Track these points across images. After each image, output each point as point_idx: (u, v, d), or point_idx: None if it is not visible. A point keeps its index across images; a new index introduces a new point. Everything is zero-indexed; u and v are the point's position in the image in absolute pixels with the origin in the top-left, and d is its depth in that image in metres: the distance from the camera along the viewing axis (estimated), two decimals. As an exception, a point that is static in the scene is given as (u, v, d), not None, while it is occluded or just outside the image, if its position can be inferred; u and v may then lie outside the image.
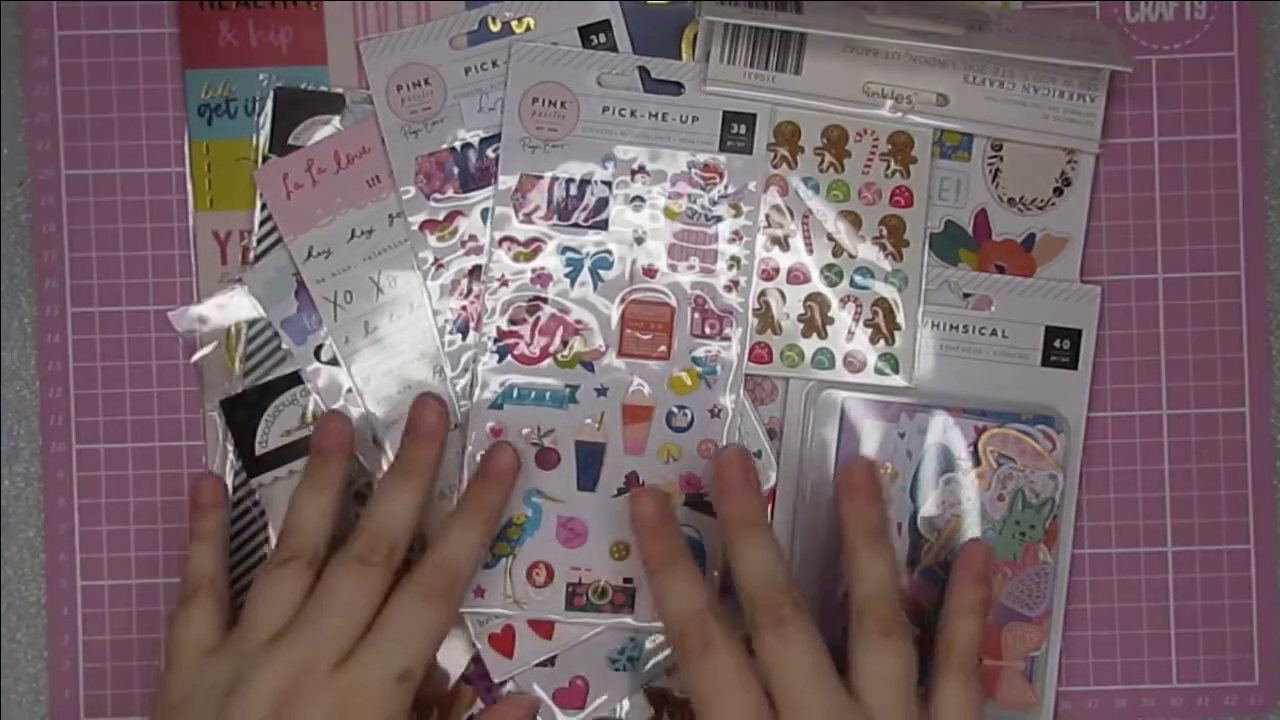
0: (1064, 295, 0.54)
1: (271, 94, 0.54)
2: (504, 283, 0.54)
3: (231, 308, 0.54)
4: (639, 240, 0.54)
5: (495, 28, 0.54)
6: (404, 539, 0.49)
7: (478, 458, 0.53)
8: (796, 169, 0.54)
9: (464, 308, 0.54)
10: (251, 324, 0.54)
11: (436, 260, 0.54)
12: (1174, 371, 0.55)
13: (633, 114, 0.54)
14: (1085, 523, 0.55)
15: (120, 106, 0.55)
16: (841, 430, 0.53)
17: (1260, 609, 0.55)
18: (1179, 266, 0.55)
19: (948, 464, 0.53)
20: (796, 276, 0.54)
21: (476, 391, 0.53)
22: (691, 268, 0.54)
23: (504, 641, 0.53)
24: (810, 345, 0.54)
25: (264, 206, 0.54)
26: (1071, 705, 0.55)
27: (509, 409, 0.53)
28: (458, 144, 0.54)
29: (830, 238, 0.54)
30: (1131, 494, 0.55)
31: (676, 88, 0.54)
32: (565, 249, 0.54)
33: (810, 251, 0.54)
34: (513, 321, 0.54)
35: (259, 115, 0.54)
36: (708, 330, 0.54)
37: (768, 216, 0.54)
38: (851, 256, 0.54)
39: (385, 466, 0.53)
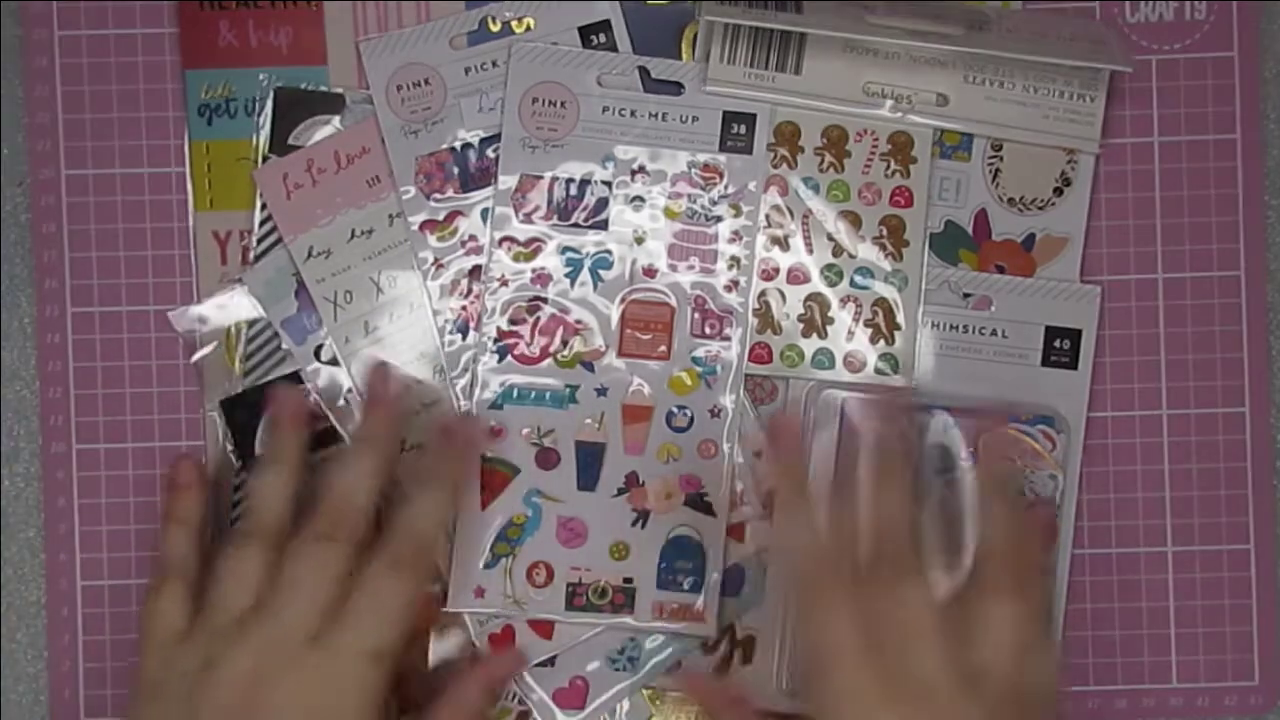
0: (1064, 295, 0.54)
1: (271, 94, 0.54)
2: (504, 283, 0.54)
3: (231, 308, 0.54)
4: (639, 240, 0.54)
5: (495, 28, 0.54)
6: (366, 511, 0.48)
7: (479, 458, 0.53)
8: (796, 169, 0.54)
9: (464, 308, 0.54)
10: (251, 324, 0.54)
11: (436, 260, 0.54)
12: (1174, 371, 0.55)
13: (633, 114, 0.54)
14: (1085, 523, 0.55)
15: (120, 106, 0.55)
16: (841, 430, 0.53)
17: (1260, 609, 0.55)
18: (1179, 266, 0.55)
19: (948, 464, 0.53)
20: (796, 276, 0.54)
21: (476, 391, 0.53)
22: (691, 268, 0.54)
23: (504, 641, 0.53)
24: (810, 345, 0.54)
25: (264, 206, 0.54)
26: (1072, 705, 0.55)
27: (509, 409, 0.53)
28: (458, 144, 0.54)
29: (830, 238, 0.54)
30: (1131, 494, 0.55)
31: (676, 88, 0.54)
32: (565, 249, 0.54)
33: (810, 251, 0.54)
34: (513, 321, 0.54)
35: (259, 115, 0.54)
36: (708, 330, 0.54)
37: (768, 216, 0.54)
38: (851, 256, 0.54)
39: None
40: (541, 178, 0.54)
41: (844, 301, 0.54)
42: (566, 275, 0.54)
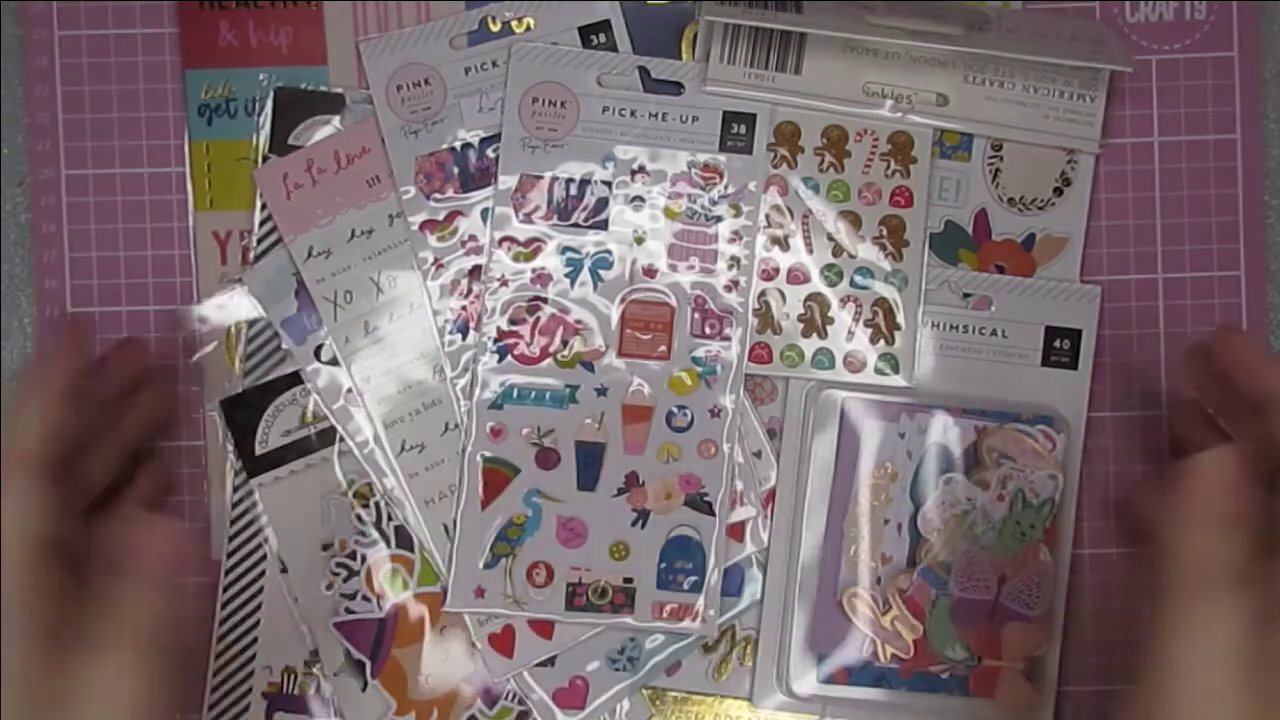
0: (1064, 295, 0.54)
1: (271, 94, 0.54)
2: (504, 283, 0.54)
3: (231, 308, 0.54)
4: (639, 240, 0.54)
5: (495, 28, 0.54)
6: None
7: (479, 458, 0.53)
8: (796, 169, 0.54)
9: (464, 308, 0.54)
10: (251, 324, 0.54)
11: (436, 260, 0.54)
12: (1174, 371, 0.55)
13: (633, 114, 0.54)
14: (1085, 523, 0.55)
15: (120, 106, 0.55)
16: (841, 430, 0.53)
17: (1260, 609, 0.55)
18: (1179, 266, 0.55)
19: (948, 464, 0.53)
20: (796, 276, 0.54)
21: (476, 391, 0.53)
22: (691, 268, 0.54)
23: (504, 641, 0.53)
24: (810, 345, 0.54)
25: (264, 206, 0.54)
26: (1072, 705, 0.55)
27: (509, 409, 0.53)
28: (458, 144, 0.54)
29: (830, 238, 0.54)
30: (1131, 494, 0.55)
31: (676, 88, 0.54)
32: (565, 249, 0.54)
33: (810, 251, 0.54)
34: (513, 321, 0.54)
35: (259, 115, 0.54)
36: (708, 330, 0.54)
37: (768, 216, 0.54)
38: (851, 256, 0.54)
39: (385, 468, 0.53)
40: (541, 178, 0.54)
41: (844, 301, 0.54)
42: (566, 275, 0.54)
